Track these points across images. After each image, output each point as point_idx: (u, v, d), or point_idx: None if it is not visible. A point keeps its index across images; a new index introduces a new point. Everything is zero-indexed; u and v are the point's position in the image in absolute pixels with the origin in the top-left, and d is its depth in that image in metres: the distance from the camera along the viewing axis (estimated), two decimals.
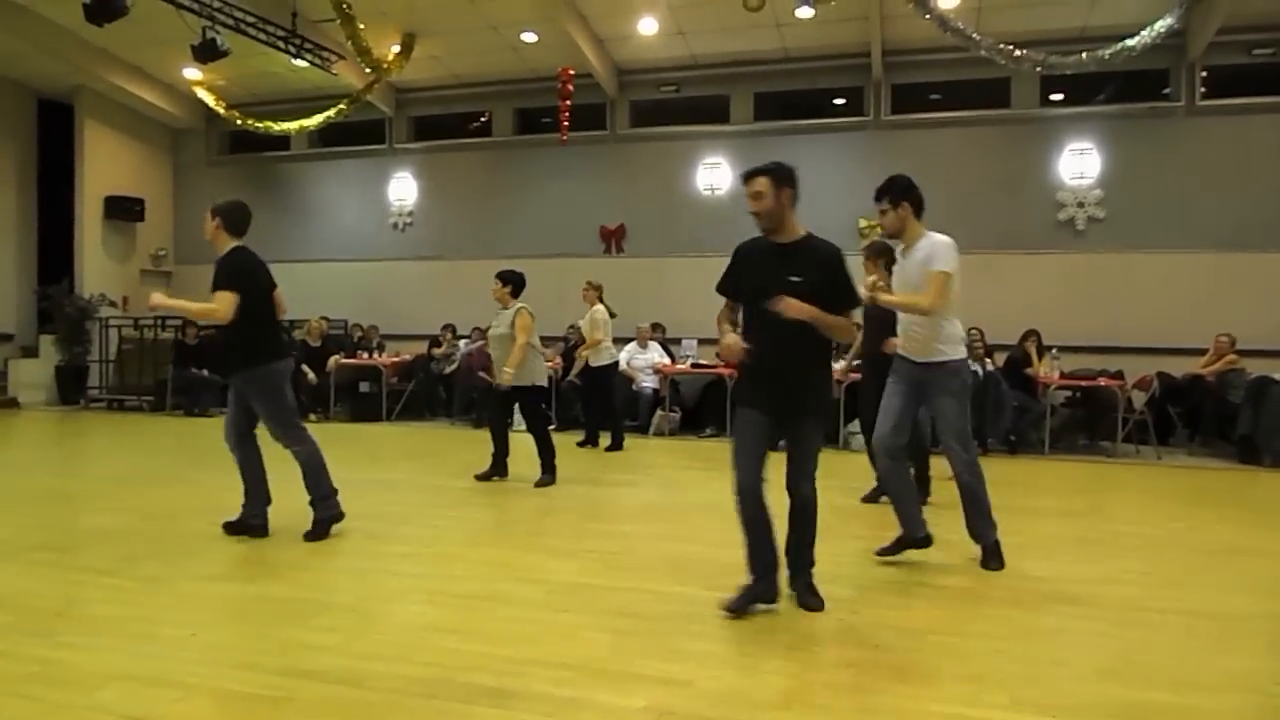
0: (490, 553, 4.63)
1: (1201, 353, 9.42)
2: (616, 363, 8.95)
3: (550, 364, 10.76)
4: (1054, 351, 9.43)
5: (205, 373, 11.90)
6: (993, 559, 4.34)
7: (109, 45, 12.25)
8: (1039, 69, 9.25)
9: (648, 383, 10.38)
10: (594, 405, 9.11)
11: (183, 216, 14.72)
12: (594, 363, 8.69)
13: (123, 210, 13.80)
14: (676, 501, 6.26)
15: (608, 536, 5.07)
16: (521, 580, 4.05)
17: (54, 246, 13.72)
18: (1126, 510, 6.27)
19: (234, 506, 4.92)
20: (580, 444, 8.85)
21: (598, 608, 3.64)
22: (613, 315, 8.82)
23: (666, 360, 10.64)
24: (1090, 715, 2.65)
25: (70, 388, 13.01)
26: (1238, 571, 4.50)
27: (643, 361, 10.50)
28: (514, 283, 6.73)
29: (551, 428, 10.31)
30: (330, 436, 7.78)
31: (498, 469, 6.72)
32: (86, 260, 13.52)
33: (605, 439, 8.83)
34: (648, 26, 11.20)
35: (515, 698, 2.71)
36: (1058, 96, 11.23)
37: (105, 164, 13.73)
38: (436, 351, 11.61)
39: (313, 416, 11.29)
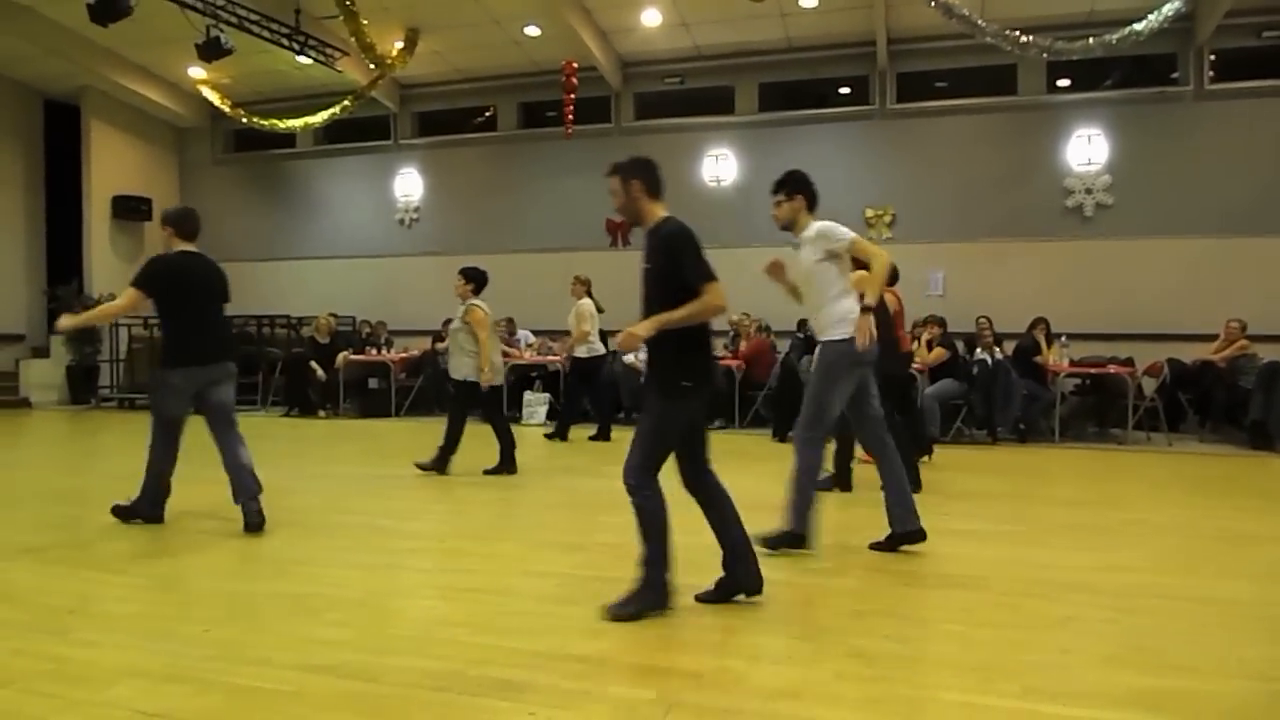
0: (500, 546, 4.64)
1: (1212, 338, 9.37)
2: (603, 355, 9.04)
3: (558, 359, 10.80)
4: (1063, 339, 9.40)
5: None
6: (780, 541, 4.25)
7: (114, 45, 12.28)
8: (1045, 55, 9.20)
9: None
10: (597, 397, 9.17)
11: None
12: (581, 355, 8.78)
13: (130, 210, 13.87)
14: (685, 494, 6.27)
15: (617, 529, 5.07)
16: (531, 574, 4.06)
17: (62, 247, 13.81)
18: (1137, 498, 6.26)
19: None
20: (591, 438, 8.90)
21: (608, 600, 3.65)
22: (600, 310, 8.90)
23: None
24: (1100, 702, 2.65)
25: (81, 387, 13.11)
26: (1248, 558, 4.49)
27: None
28: (476, 280, 6.86)
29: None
30: (339, 433, 7.86)
31: (505, 464, 6.75)
32: (95, 260, 13.60)
33: (609, 429, 8.93)
34: (651, 18, 11.18)
35: (526, 690, 2.72)
36: (1064, 82, 11.16)
37: (112, 164, 13.78)
38: (439, 346, 11.64)
39: (321, 413, 11.36)
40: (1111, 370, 9.11)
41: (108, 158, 13.73)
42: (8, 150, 13.50)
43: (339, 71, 11.96)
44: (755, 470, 7.24)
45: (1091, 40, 8.82)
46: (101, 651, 3.06)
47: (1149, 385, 9.25)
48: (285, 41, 11.02)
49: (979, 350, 9.17)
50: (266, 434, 8.61)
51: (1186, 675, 2.86)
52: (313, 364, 11.32)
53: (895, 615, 3.45)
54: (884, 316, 5.44)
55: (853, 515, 5.37)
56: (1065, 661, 2.97)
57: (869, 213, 11.58)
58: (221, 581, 4.01)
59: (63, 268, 13.62)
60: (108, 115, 13.65)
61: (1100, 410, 9.66)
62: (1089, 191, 10.84)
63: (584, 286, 8.92)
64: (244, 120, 13.07)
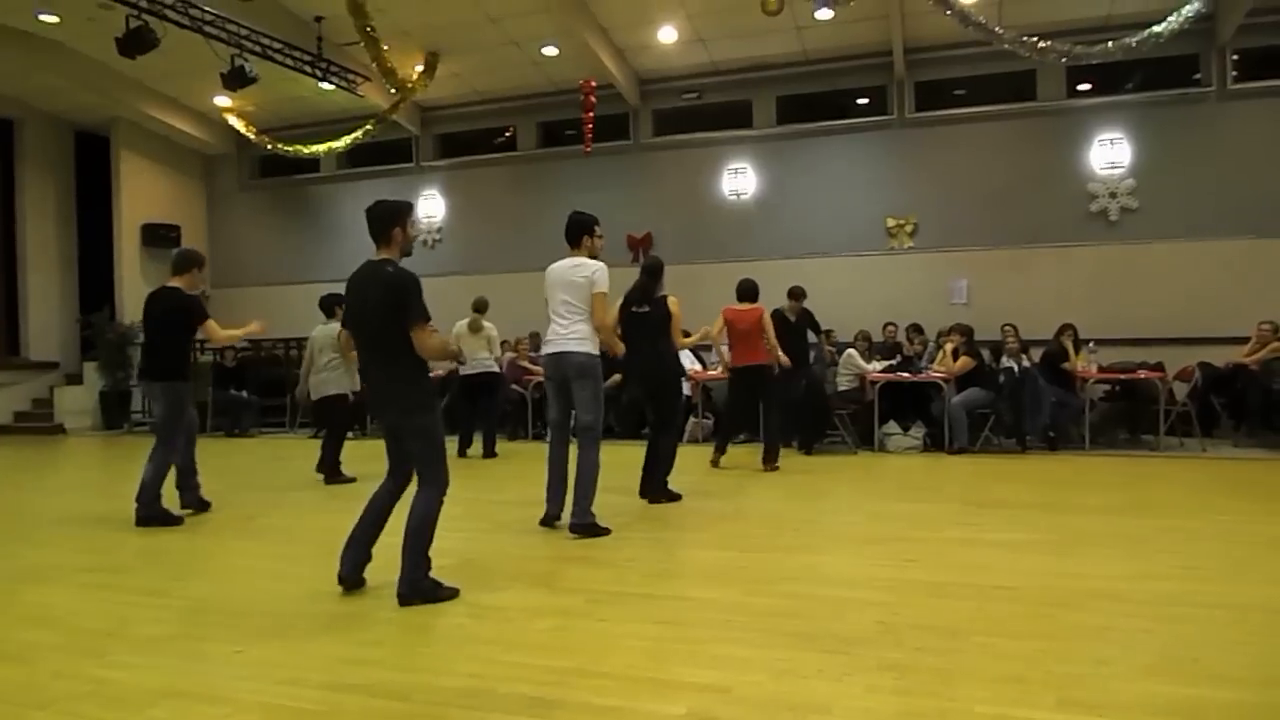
0: (528, 564, 4.65)
1: (1243, 341, 9.22)
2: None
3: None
4: (1091, 345, 9.29)
5: (245, 394, 12.17)
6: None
7: (142, 77, 12.54)
8: (1064, 60, 9.12)
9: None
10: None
11: (218, 241, 14.99)
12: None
13: (159, 237, 14.10)
14: (711, 508, 6.26)
15: (645, 544, 5.08)
16: (560, 590, 4.07)
17: (94, 275, 14.07)
18: (1171, 504, 6.16)
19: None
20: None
21: (636, 616, 3.65)
22: None
23: (698, 366, 10.62)
24: (1138, 713, 2.61)
25: (114, 413, 13.31)
26: None
27: None
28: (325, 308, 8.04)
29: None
30: (366, 453, 7.89)
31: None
32: (126, 287, 13.83)
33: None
34: (667, 35, 11.25)
35: (557, 707, 2.72)
36: (1085, 87, 11.08)
37: (141, 193, 14.05)
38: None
39: (348, 434, 11.44)
40: (1142, 375, 8.99)
41: (137, 186, 14.00)
42: (40, 182, 13.80)
43: (361, 96, 12.14)
44: (785, 483, 7.22)
45: (1111, 44, 8.73)
46: (138, 673, 3.10)
47: (1180, 390, 9.11)
48: (308, 69, 11.20)
49: (1005, 358, 9.08)
50: (295, 454, 8.70)
51: (1227, 685, 2.81)
52: None
53: (926, 627, 3.42)
54: None
55: (882, 528, 5.33)
56: (1102, 672, 2.93)
57: (890, 222, 11.54)
58: (254, 602, 4.04)
59: (95, 295, 13.86)
60: (137, 145, 13.93)
61: (1131, 416, 9.53)
62: (1113, 196, 10.74)
63: None
64: (269, 146, 13.28)
